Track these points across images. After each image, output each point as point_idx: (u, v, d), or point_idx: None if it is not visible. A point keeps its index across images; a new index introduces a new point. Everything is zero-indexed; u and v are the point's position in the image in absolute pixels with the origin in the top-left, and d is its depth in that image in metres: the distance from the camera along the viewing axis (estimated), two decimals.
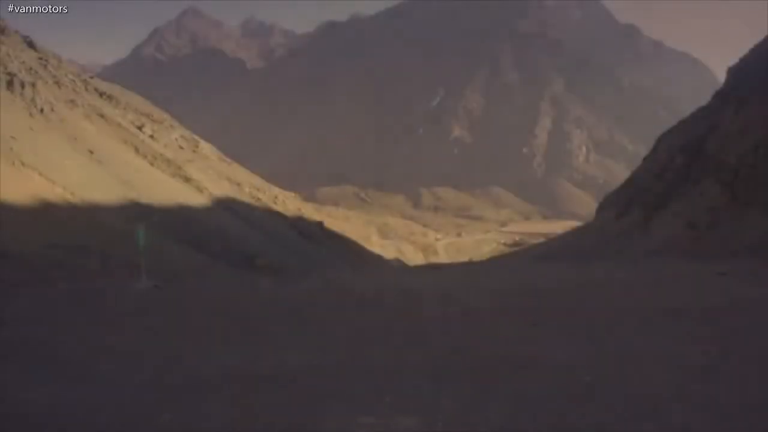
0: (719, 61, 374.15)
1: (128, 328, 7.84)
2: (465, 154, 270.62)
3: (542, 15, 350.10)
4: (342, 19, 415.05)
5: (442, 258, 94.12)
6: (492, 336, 6.94)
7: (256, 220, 45.71)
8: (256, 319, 8.50)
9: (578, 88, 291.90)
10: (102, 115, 47.38)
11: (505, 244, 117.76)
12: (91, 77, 66.42)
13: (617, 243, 39.04)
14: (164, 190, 38.47)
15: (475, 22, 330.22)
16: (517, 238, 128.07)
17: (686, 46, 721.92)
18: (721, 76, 53.59)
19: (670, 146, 48.59)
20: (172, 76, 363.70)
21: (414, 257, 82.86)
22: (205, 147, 65.82)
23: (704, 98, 51.72)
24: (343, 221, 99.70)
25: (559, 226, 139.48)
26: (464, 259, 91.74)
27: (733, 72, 44.91)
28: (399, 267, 60.93)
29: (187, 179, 45.17)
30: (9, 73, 38.44)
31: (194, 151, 59.82)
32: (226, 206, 44.74)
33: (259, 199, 57.09)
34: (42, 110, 37.41)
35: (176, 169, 45.94)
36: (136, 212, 30.64)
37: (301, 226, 54.41)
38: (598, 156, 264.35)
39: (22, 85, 37.65)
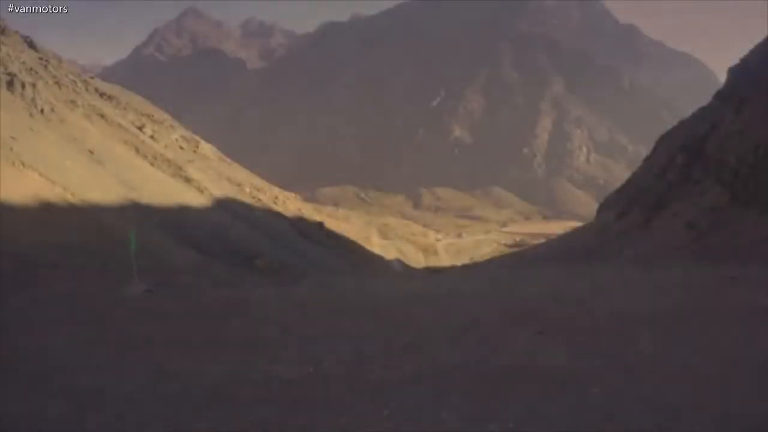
0: (720, 61, 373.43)
1: (117, 336, 7.60)
2: (465, 154, 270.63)
3: (542, 15, 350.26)
4: (342, 19, 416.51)
5: (443, 258, 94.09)
6: (495, 346, 6.67)
7: (256, 220, 45.70)
8: (248, 326, 8.19)
9: (579, 88, 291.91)
10: (102, 116, 47.39)
11: (505, 245, 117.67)
12: (92, 77, 66.48)
13: (618, 243, 38.99)
14: (164, 191, 38.45)
15: (475, 22, 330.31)
16: (517, 239, 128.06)
17: (687, 46, 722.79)
18: (722, 76, 53.53)
19: (671, 146, 48.55)
20: (172, 76, 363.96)
21: (414, 258, 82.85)
22: (206, 147, 65.82)
23: (705, 98, 51.66)
24: (344, 222, 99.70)
25: (559, 227, 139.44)
26: (465, 259, 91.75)
27: (734, 72, 44.84)
28: (399, 267, 60.96)
29: (188, 179, 45.17)
30: (9, 74, 38.44)
31: (194, 152, 59.83)
32: (227, 206, 44.72)
33: (259, 199, 57.08)
34: (42, 110, 37.42)
35: (176, 169, 45.93)
36: (137, 212, 30.64)
37: (301, 227, 54.39)
38: (599, 156, 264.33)
39: (23, 86, 37.65)
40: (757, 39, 43.66)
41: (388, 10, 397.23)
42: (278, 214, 55.17)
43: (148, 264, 21.03)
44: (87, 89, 53.69)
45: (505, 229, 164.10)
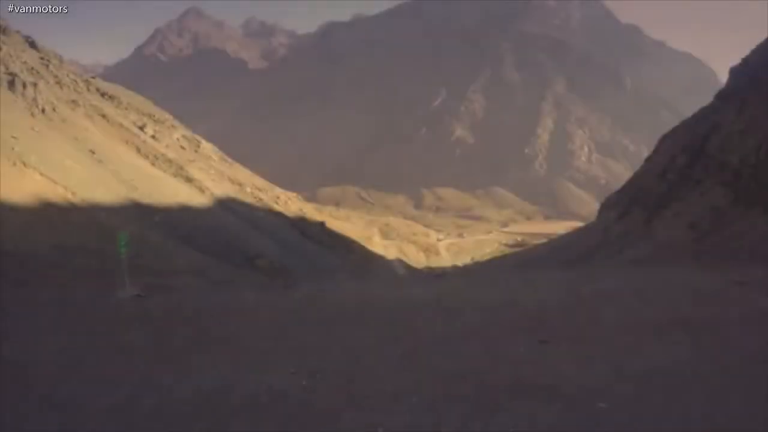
0: (721, 61, 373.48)
1: (104, 343, 7.39)
2: (467, 154, 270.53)
3: (544, 15, 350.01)
4: (344, 19, 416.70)
5: (444, 258, 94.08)
6: (497, 356, 6.39)
7: (257, 220, 45.72)
8: (239, 334, 7.92)
9: (580, 88, 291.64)
10: (104, 116, 47.45)
11: (506, 245, 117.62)
12: (93, 77, 66.56)
13: (619, 243, 38.95)
14: (166, 190, 38.48)
15: (477, 22, 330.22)
16: (518, 239, 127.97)
17: (688, 46, 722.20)
18: (723, 76, 53.49)
19: (672, 146, 48.48)
20: (173, 76, 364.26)
21: (416, 257, 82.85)
22: (207, 147, 65.87)
23: (706, 98, 51.55)
24: (345, 221, 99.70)
25: (560, 227, 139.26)
26: (466, 259, 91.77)
27: (735, 72, 44.72)
28: (400, 267, 60.93)
29: (189, 179, 45.20)
30: (10, 73, 38.49)
31: (196, 152, 59.88)
32: (228, 206, 44.75)
33: (260, 199, 57.11)
34: (43, 110, 37.46)
35: (178, 169, 45.97)
36: (138, 212, 30.67)
37: (302, 227, 54.40)
38: (600, 156, 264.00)
39: (24, 85, 37.71)
40: (759, 39, 43.52)
41: (390, 10, 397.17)
42: (279, 214, 55.19)
43: (148, 263, 21.06)
44: (88, 89, 53.76)
45: (506, 229, 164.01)
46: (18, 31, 52.10)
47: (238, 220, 41.92)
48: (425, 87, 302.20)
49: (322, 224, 63.49)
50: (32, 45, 52.50)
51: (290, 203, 67.51)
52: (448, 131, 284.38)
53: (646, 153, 77.84)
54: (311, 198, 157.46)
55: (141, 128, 52.02)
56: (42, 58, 50.83)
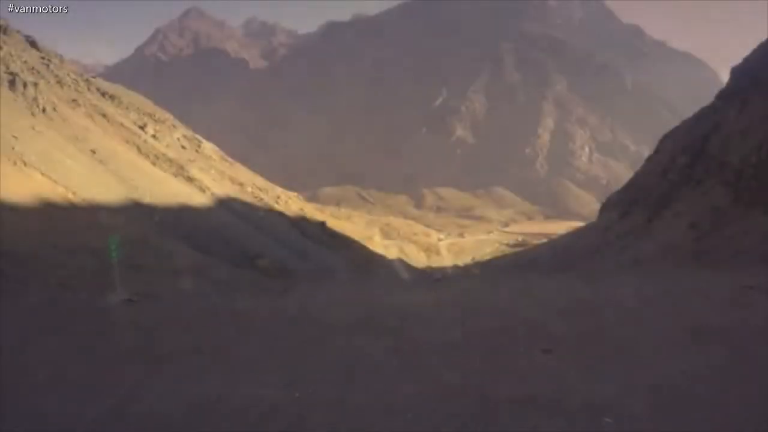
0: (722, 61, 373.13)
1: (92, 351, 7.18)
2: (467, 154, 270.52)
3: (545, 15, 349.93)
4: (344, 19, 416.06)
5: (445, 258, 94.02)
6: (499, 367, 6.19)
7: (258, 220, 45.69)
8: (231, 342, 7.67)
9: (581, 88, 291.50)
10: (104, 115, 47.45)
11: (507, 245, 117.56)
12: (94, 77, 66.57)
13: (620, 243, 38.92)
14: (166, 190, 38.47)
15: (477, 22, 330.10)
16: (519, 239, 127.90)
17: (689, 46, 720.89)
18: (724, 76, 53.44)
19: (673, 146, 48.47)
20: (174, 75, 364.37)
21: (416, 257, 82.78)
22: (207, 147, 65.85)
23: (707, 98, 51.51)
24: (346, 221, 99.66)
25: (561, 227, 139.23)
26: (467, 259, 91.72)
27: (736, 72, 44.68)
28: (401, 267, 60.85)
29: (189, 179, 45.18)
30: (11, 73, 38.50)
31: (196, 151, 59.85)
32: (228, 206, 44.73)
33: (261, 199, 57.07)
34: (44, 110, 37.47)
35: (178, 168, 45.96)
36: (138, 212, 30.67)
37: (303, 227, 54.36)
38: (601, 156, 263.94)
39: (24, 85, 37.72)
40: (760, 39, 43.47)
41: (390, 9, 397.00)
42: (280, 214, 55.15)
43: (148, 263, 21.05)
44: (89, 89, 53.76)
45: (506, 229, 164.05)
46: (18, 31, 52.10)
47: (238, 220, 41.90)
48: (426, 87, 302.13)
49: (322, 224, 63.42)
50: (33, 45, 52.50)
51: (291, 203, 67.46)
52: (448, 131, 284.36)
53: (646, 153, 77.81)
54: (312, 198, 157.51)
55: (141, 128, 52.01)
56: (42, 58, 50.83)
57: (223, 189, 49.90)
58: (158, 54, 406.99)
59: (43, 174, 26.99)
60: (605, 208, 65.65)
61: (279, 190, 73.25)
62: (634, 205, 46.66)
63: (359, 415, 4.83)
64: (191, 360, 6.74)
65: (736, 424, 4.27)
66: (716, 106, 44.71)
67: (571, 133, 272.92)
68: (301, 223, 56.26)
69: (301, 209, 67.88)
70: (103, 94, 55.50)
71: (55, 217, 22.72)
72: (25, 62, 44.61)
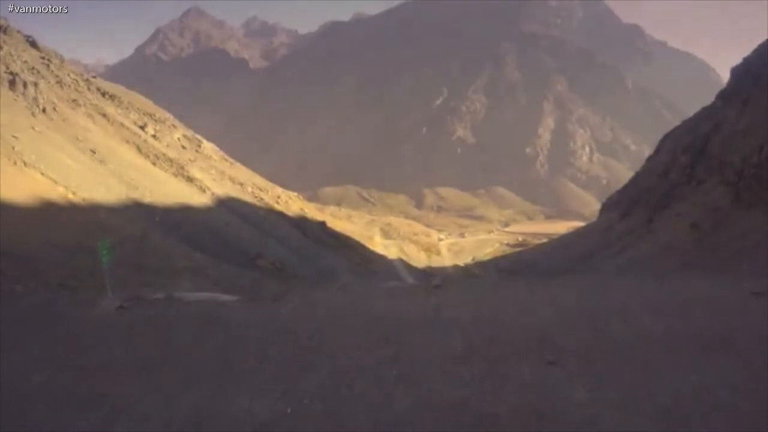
0: (723, 61, 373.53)
1: (80, 362, 6.95)
2: (468, 154, 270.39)
3: (545, 15, 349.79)
4: (345, 18, 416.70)
5: (445, 258, 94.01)
6: (500, 379, 5.94)
7: (258, 220, 45.70)
8: (222, 353, 7.46)
9: (581, 88, 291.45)
10: (104, 115, 47.46)
11: (507, 245, 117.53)
12: (94, 77, 66.62)
13: (621, 243, 38.92)
14: (166, 190, 38.47)
15: (478, 22, 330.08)
16: (520, 239, 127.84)
17: (690, 46, 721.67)
18: (725, 76, 53.38)
19: (674, 146, 48.46)
20: (174, 75, 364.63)
21: (417, 257, 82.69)
22: (208, 147, 65.88)
23: (708, 98, 51.49)
24: (346, 221, 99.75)
25: (562, 227, 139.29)
26: (467, 258, 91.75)
27: (737, 72, 44.65)
28: (401, 267, 60.85)
29: (190, 179, 45.19)
30: (11, 73, 38.50)
31: (197, 151, 59.86)
32: (229, 206, 44.74)
33: (261, 199, 57.09)
34: (44, 110, 37.46)
35: (178, 168, 45.97)
36: (138, 212, 30.66)
37: (303, 226, 54.38)
38: (602, 156, 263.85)
39: (25, 85, 37.72)
40: (760, 39, 43.43)
41: (391, 9, 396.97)
42: (280, 214, 55.18)
43: (148, 263, 21.04)
44: (89, 88, 53.76)
45: (507, 229, 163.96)
46: (19, 31, 52.09)
47: (238, 220, 41.91)
48: (426, 86, 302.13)
49: (323, 224, 63.48)
50: (33, 44, 52.50)
51: (291, 203, 67.49)
52: (449, 131, 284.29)
53: (647, 153, 77.87)
54: (312, 197, 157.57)
55: (142, 128, 52.03)
56: (43, 58, 50.84)
57: (224, 189, 49.90)
58: (159, 54, 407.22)
59: (43, 174, 26.99)
60: (606, 208, 65.70)
61: (279, 189, 73.27)
62: (634, 205, 46.68)
63: (352, 429, 4.74)
64: (181, 371, 6.54)
65: None
66: (717, 106, 44.71)
67: (572, 133, 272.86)
68: (301, 222, 56.28)
69: (302, 209, 67.93)
70: (104, 94, 55.50)
71: (55, 217, 22.71)
72: (25, 62, 44.62)
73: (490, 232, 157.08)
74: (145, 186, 35.56)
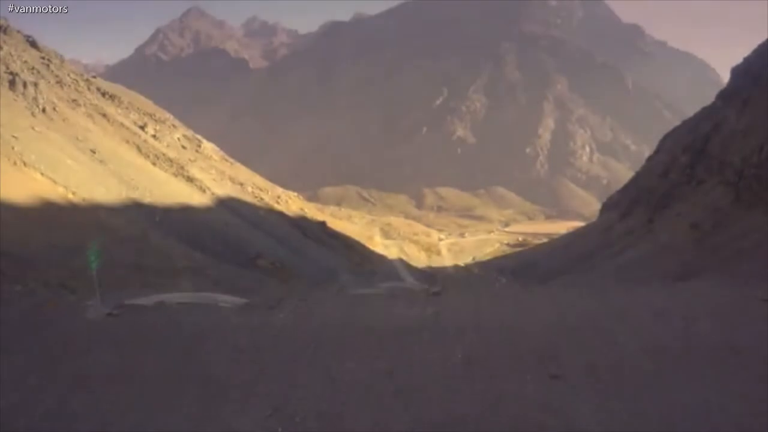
0: (723, 61, 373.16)
1: (67, 372, 6.78)
2: (468, 154, 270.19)
3: (545, 15, 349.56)
4: (345, 18, 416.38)
5: (445, 258, 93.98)
6: (501, 394, 5.70)
7: (258, 219, 45.69)
8: (212, 365, 7.20)
9: (582, 88, 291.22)
10: (104, 115, 47.45)
11: (507, 245, 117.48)
12: (94, 77, 66.58)
13: (621, 243, 38.90)
14: (166, 190, 38.46)
15: (478, 22, 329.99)
16: (520, 239, 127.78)
17: (690, 46, 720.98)
18: (725, 77, 53.36)
19: (674, 146, 48.45)
20: (174, 75, 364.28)
21: (417, 257, 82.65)
22: (208, 147, 65.86)
23: (708, 98, 51.47)
24: (346, 221, 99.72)
25: (562, 227, 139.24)
26: (467, 258, 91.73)
27: (737, 72, 44.63)
28: (402, 267, 60.80)
29: (190, 179, 45.18)
30: (11, 73, 38.49)
31: (197, 151, 59.85)
32: (229, 206, 44.73)
33: (261, 198, 57.07)
34: (44, 110, 37.45)
35: (178, 168, 45.96)
36: (138, 212, 30.65)
37: (303, 226, 54.36)
38: (602, 156, 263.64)
39: (24, 85, 37.71)
40: (760, 39, 43.40)
41: (391, 9, 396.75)
42: (280, 214, 55.16)
43: (148, 263, 21.03)
44: (89, 88, 53.75)
45: (507, 229, 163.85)
46: (19, 31, 52.10)
47: (238, 220, 41.90)
48: (426, 87, 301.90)
49: (323, 224, 63.46)
50: (33, 44, 52.49)
51: (291, 203, 67.48)
52: (449, 131, 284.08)
53: (647, 153, 77.81)
54: (312, 197, 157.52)
55: (142, 128, 52.02)
56: (43, 58, 50.83)
57: (224, 189, 49.89)
58: (159, 54, 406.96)
59: (43, 174, 26.99)
60: (606, 208, 65.67)
61: (279, 189, 73.26)
62: (634, 205, 46.66)
63: None
64: (169, 384, 6.32)
65: None
66: (717, 106, 44.69)
67: (572, 133, 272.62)
68: (301, 222, 56.27)
69: (302, 209, 67.92)
70: (104, 94, 55.49)
71: (55, 217, 22.70)
72: (25, 62, 44.61)
73: (490, 232, 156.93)
74: (145, 186, 35.54)
